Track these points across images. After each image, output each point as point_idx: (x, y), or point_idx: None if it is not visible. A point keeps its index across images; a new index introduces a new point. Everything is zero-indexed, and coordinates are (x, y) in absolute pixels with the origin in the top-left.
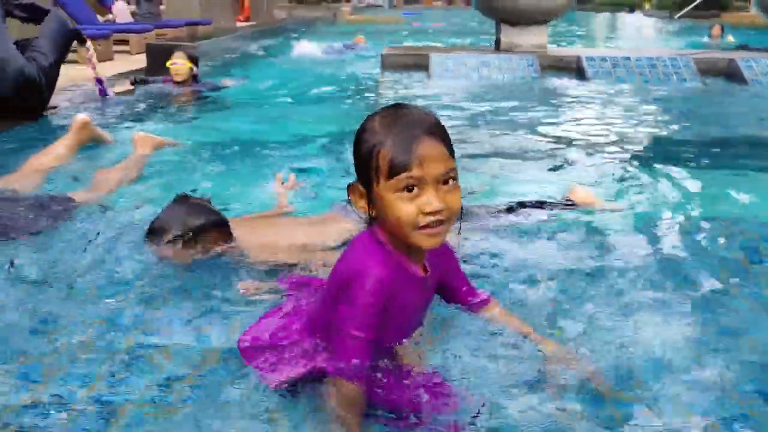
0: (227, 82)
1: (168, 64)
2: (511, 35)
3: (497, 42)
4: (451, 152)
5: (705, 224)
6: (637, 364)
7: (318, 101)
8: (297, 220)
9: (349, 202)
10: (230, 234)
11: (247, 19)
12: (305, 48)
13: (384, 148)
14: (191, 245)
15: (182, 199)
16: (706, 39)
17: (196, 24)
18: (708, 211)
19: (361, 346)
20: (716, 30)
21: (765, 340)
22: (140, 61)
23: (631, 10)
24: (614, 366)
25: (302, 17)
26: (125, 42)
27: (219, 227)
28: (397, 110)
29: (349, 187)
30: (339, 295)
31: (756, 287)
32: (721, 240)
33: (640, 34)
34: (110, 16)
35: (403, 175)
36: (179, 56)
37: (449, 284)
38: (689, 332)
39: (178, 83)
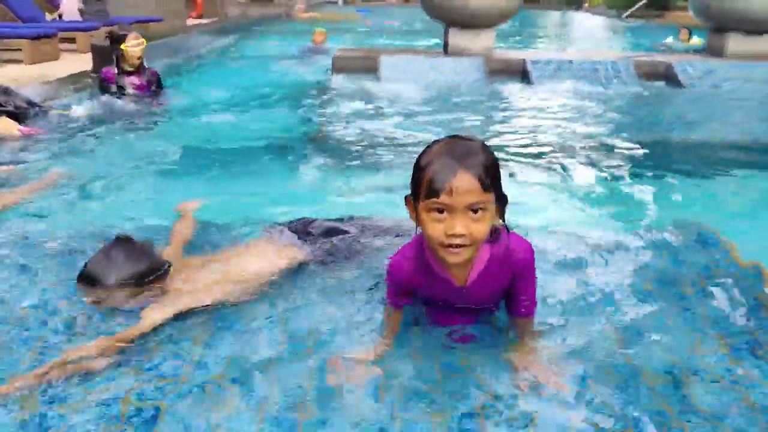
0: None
1: (124, 46)
2: (459, 39)
3: (446, 45)
4: (487, 187)
5: (631, 226)
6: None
7: (267, 106)
8: (239, 251)
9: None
10: (167, 276)
11: (199, 17)
12: (260, 48)
13: (428, 173)
14: (127, 290)
15: (121, 243)
16: (670, 39)
17: (146, 21)
18: (635, 213)
19: (390, 301)
20: (683, 34)
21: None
22: (88, 60)
23: (578, 8)
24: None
25: (256, 15)
26: (72, 41)
27: (158, 273)
28: (453, 140)
29: (406, 198)
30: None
31: (675, 288)
32: (646, 241)
33: (588, 34)
34: (57, 14)
35: (435, 199)
36: (135, 36)
37: (508, 297)
38: (611, 331)
39: (130, 74)
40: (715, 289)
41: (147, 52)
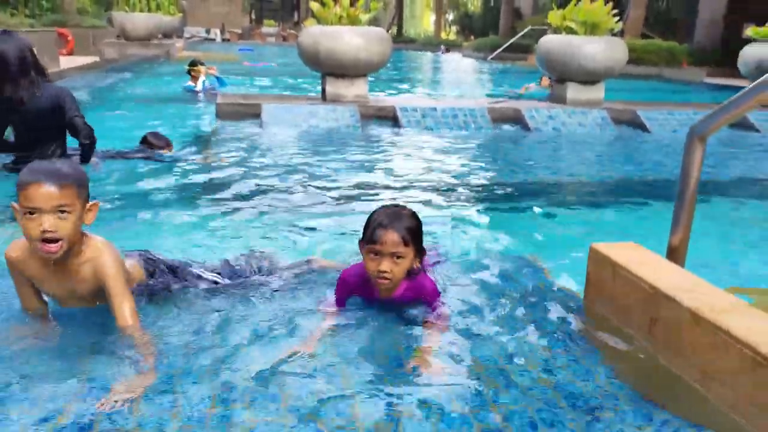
0: None
1: None
2: (335, 86)
3: (323, 92)
4: (407, 243)
5: (478, 252)
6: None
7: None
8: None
9: None
10: None
11: (70, 53)
12: (140, 91)
13: (370, 227)
14: None
15: None
16: (532, 86)
17: None
18: (477, 244)
19: (336, 299)
20: (545, 80)
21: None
22: None
23: (447, 49)
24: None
25: (134, 55)
26: None
27: None
28: (391, 208)
29: (359, 241)
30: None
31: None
32: (488, 265)
33: (455, 75)
34: None
35: (372, 245)
36: None
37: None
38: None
39: None
40: (533, 300)
41: None
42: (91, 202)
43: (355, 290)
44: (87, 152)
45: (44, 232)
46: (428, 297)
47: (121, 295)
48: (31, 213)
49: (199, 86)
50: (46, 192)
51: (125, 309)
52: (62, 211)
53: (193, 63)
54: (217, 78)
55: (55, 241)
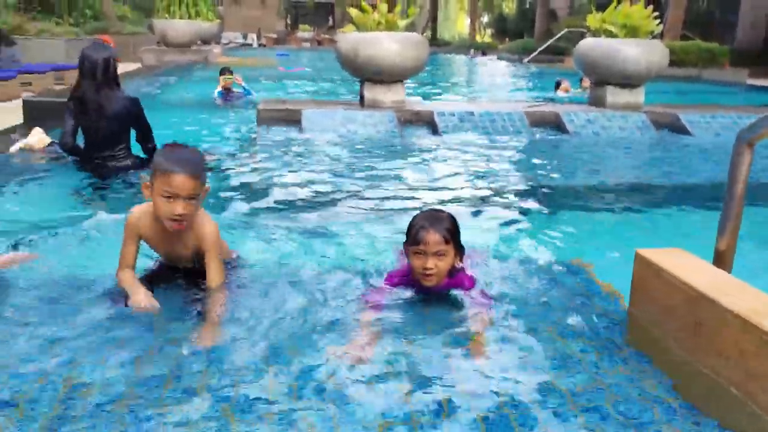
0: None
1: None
2: (373, 92)
3: (361, 98)
4: (448, 241)
5: (519, 263)
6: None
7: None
8: None
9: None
10: None
11: None
12: (181, 96)
13: (413, 230)
14: None
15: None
16: (575, 91)
17: (62, 69)
18: (520, 248)
19: (375, 301)
20: (585, 81)
21: None
22: (4, 109)
23: (484, 52)
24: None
25: (173, 61)
26: None
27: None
28: (431, 212)
29: (404, 244)
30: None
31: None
32: (534, 266)
33: (492, 79)
34: None
35: (416, 246)
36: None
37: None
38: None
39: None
40: (578, 304)
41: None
42: (206, 186)
43: (402, 284)
44: (152, 157)
45: (177, 214)
46: (467, 288)
47: (216, 260)
48: (168, 197)
49: (216, 94)
50: (185, 182)
51: (218, 271)
52: (192, 198)
53: (222, 71)
54: (243, 88)
55: (180, 221)
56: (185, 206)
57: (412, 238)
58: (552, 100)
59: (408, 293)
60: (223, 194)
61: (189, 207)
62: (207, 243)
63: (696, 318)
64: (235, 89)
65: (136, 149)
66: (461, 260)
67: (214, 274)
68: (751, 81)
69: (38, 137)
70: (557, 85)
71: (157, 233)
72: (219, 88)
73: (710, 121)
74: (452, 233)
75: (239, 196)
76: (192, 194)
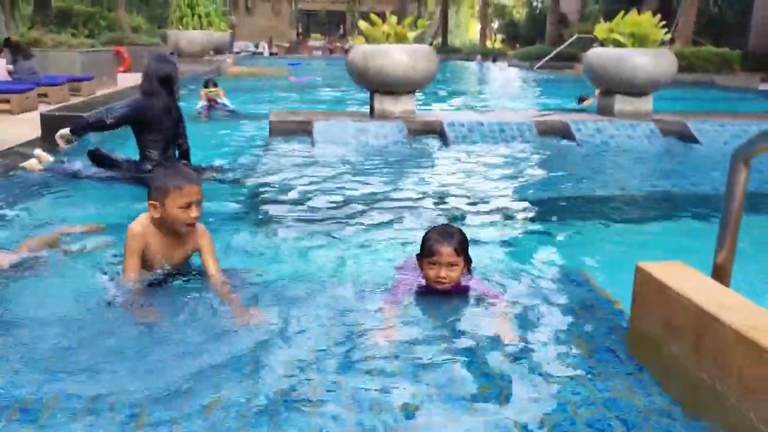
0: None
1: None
2: (383, 103)
3: (372, 109)
4: (459, 254)
5: (531, 270)
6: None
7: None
8: None
9: None
10: None
11: (127, 70)
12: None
13: (428, 244)
14: None
15: None
16: (589, 101)
17: (78, 80)
18: (526, 258)
19: (394, 299)
20: (588, 101)
21: None
22: (23, 121)
23: (494, 58)
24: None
25: (187, 71)
26: (6, 101)
27: None
28: (442, 226)
29: (417, 255)
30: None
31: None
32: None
33: (502, 86)
34: None
35: (430, 258)
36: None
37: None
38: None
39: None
40: (580, 315)
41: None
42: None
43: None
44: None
45: (194, 218)
46: (475, 288)
47: (214, 261)
48: (185, 206)
49: (199, 107)
50: (196, 189)
51: (217, 264)
52: (198, 203)
53: (206, 83)
54: (224, 104)
55: (194, 223)
56: (198, 209)
57: (427, 251)
58: (583, 110)
59: (425, 293)
60: (236, 206)
61: (200, 209)
62: (205, 243)
63: (696, 332)
64: (219, 101)
65: (132, 151)
66: (469, 270)
67: (214, 269)
68: (763, 87)
69: (38, 157)
70: (580, 100)
71: (160, 241)
72: (202, 102)
73: (719, 130)
74: (462, 246)
75: (253, 208)
76: (201, 198)
